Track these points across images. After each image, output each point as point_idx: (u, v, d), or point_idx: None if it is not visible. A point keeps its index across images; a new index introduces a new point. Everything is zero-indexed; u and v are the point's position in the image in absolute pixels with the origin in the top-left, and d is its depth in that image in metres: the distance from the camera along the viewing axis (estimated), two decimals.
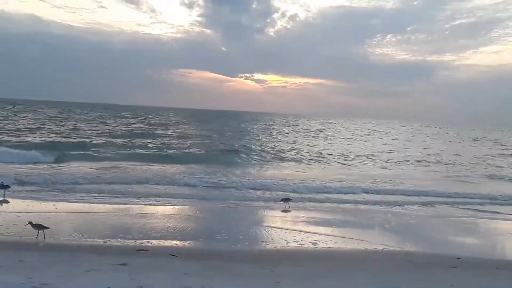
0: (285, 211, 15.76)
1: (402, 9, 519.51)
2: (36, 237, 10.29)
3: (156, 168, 25.14)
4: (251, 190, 19.69)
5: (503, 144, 64.75)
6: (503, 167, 36.49)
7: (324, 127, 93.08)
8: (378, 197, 19.47)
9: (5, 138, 36.46)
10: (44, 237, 10.35)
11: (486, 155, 45.60)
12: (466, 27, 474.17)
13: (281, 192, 18.35)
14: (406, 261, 10.39)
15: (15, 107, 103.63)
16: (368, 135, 78.19)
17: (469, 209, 18.22)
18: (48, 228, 10.48)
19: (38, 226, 10.34)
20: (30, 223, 10.38)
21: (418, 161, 36.93)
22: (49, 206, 14.27)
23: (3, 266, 7.57)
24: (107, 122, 70.33)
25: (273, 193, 18.28)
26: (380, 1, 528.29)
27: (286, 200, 16.60)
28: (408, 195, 20.20)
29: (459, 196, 20.69)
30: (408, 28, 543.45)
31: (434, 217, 16.49)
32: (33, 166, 22.86)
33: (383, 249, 11.44)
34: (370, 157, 37.75)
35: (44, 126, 52.31)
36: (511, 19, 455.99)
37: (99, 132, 49.27)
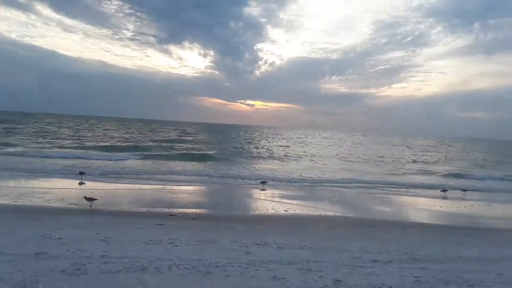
0: (263, 189, 15.64)
1: (343, 59, 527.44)
2: (90, 206, 9.95)
3: (185, 162, 24.89)
4: (247, 177, 19.46)
5: (411, 147, 65.16)
6: (421, 162, 36.51)
7: (299, 136, 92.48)
8: (333, 183, 19.40)
9: (88, 143, 35.76)
10: (90, 206, 9.95)
11: (413, 154, 46.16)
12: (384, 71, 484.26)
13: (270, 179, 18.25)
14: (346, 222, 10.43)
15: (88, 121, 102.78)
16: (326, 140, 77.88)
17: (389, 189, 18.33)
18: (97, 199, 10.22)
19: (90, 199, 10.05)
20: (84, 197, 10.13)
21: (362, 158, 36.99)
22: (112, 186, 14.20)
23: (80, 226, 7.54)
24: (153, 132, 68.85)
25: (261, 179, 18.12)
26: (328, 54, 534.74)
27: (263, 182, 16.63)
28: (350, 182, 19.93)
29: (384, 182, 20.61)
30: (347, 72, 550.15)
31: (365, 194, 16.53)
32: (105, 162, 22.65)
33: (331, 214, 11.48)
34: (330, 157, 37.47)
35: (111, 134, 51.69)
36: (413, 66, 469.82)
37: (148, 138, 48.48)
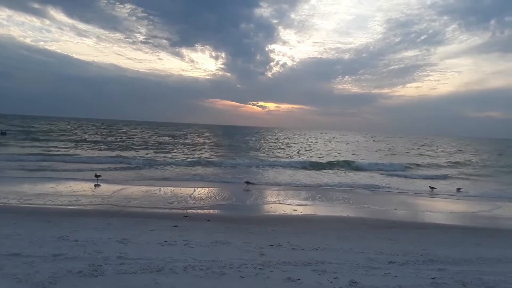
0: (247, 190, 15.29)
1: (355, 59, 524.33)
2: None
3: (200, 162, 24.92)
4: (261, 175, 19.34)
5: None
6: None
7: (315, 136, 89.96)
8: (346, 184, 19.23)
9: (108, 145, 35.92)
10: None
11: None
12: (397, 71, 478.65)
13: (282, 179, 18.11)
14: (360, 224, 10.30)
15: (103, 123, 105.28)
16: (346, 142, 76.96)
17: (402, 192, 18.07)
18: None
19: None
20: None
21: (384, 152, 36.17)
22: (129, 187, 14.33)
23: (97, 227, 7.62)
24: (172, 135, 68.93)
25: (274, 180, 17.97)
26: (340, 54, 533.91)
27: (248, 183, 16.20)
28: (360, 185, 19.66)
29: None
30: (359, 72, 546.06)
31: (379, 195, 16.29)
32: (118, 165, 22.90)
33: (345, 215, 11.35)
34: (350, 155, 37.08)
35: (126, 137, 52.02)
36: (427, 65, 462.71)
37: (166, 142, 47.85)
